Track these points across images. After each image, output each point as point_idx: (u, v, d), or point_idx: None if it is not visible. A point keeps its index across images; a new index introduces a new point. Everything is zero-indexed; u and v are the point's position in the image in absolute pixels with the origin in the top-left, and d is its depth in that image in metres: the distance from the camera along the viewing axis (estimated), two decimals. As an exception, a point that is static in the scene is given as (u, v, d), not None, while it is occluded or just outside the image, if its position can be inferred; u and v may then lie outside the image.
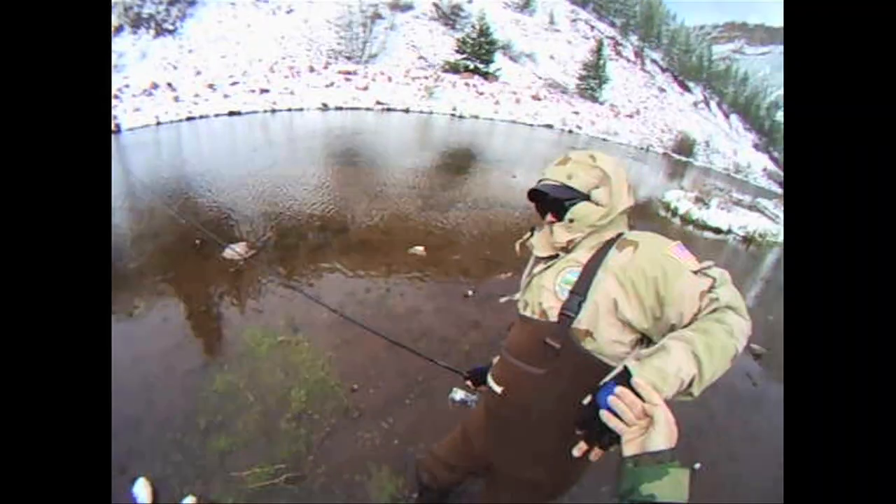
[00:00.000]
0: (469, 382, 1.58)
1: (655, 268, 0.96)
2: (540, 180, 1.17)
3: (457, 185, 7.40)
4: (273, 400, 2.47)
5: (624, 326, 1.00)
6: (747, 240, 8.75)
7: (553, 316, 1.07)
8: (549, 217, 1.17)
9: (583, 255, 1.09)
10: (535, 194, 1.17)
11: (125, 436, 2.05)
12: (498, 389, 1.21)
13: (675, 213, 9.03)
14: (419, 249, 4.62)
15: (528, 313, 1.15)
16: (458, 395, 2.16)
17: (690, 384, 0.82)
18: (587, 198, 1.12)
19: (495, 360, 1.35)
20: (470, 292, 3.86)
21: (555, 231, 1.14)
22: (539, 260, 1.20)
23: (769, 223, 9.74)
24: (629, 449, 0.68)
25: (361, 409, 2.51)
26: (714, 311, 0.89)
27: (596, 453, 0.78)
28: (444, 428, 2.35)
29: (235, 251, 3.89)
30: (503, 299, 1.45)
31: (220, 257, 3.87)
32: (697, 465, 2.74)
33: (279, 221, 4.87)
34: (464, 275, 4.26)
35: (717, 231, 8.67)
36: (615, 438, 0.72)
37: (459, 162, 9.23)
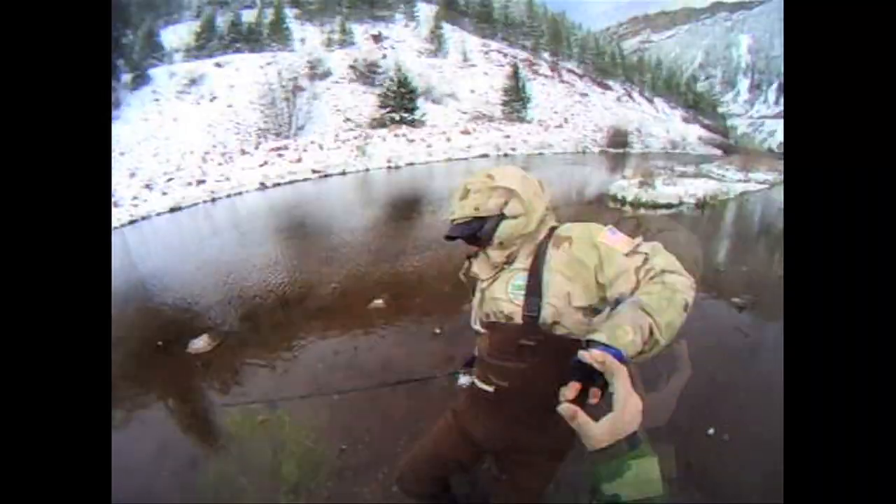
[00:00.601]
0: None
1: (591, 258, 1.08)
2: (451, 220, 1.24)
3: (405, 232, 7.62)
4: (266, 479, 2.50)
5: (583, 310, 1.11)
6: (700, 205, 9.29)
7: (518, 319, 1.16)
8: (477, 246, 1.27)
9: (524, 260, 1.19)
10: (452, 237, 1.23)
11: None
12: (489, 388, 1.30)
13: (623, 202, 9.41)
14: (379, 302, 4.67)
15: (493, 320, 1.24)
16: (464, 379, 2.22)
17: (651, 332, 0.91)
18: (503, 217, 1.18)
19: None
20: (437, 330, 3.96)
21: (490, 254, 1.23)
22: (482, 272, 1.29)
23: (716, 184, 10.47)
24: (586, 444, 0.63)
25: (354, 467, 2.56)
26: (652, 278, 1.01)
27: (594, 393, 0.72)
28: None
29: (198, 344, 3.95)
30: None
31: (186, 353, 3.91)
32: (711, 431, 2.80)
33: (238, 306, 4.92)
34: (427, 315, 4.36)
35: (669, 206, 9.10)
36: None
37: (404, 210, 9.51)
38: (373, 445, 2.72)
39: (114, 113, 23.33)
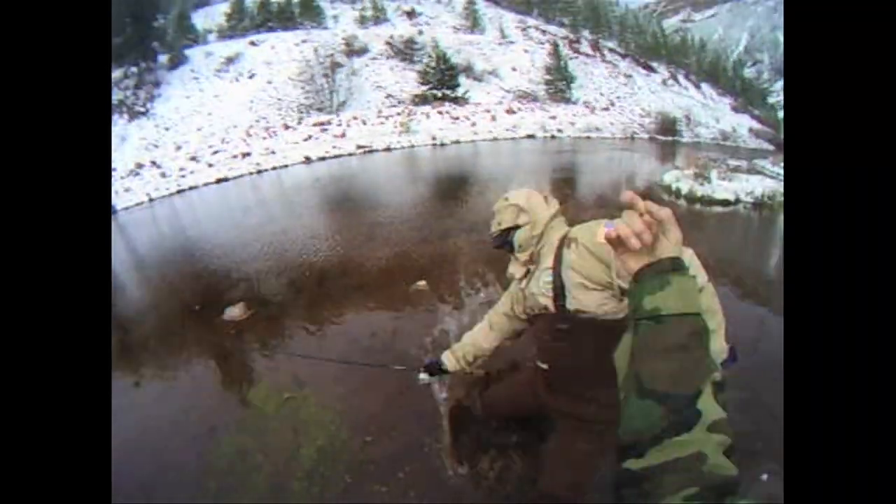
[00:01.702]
0: (425, 376, 2.12)
1: (595, 257, 1.36)
2: (490, 235, 1.70)
3: (451, 212, 7.40)
4: (283, 459, 2.42)
5: (599, 292, 1.39)
6: (758, 205, 8.64)
7: (552, 308, 1.51)
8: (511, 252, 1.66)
9: (548, 260, 1.53)
10: (496, 247, 1.70)
11: (136, 503, 2.07)
12: (545, 366, 1.68)
13: (678, 194, 8.85)
14: (422, 284, 4.49)
15: (536, 313, 1.63)
16: (425, 377, 2.27)
17: None
18: (517, 226, 1.59)
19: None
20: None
21: (518, 257, 1.63)
22: (517, 272, 1.67)
23: (773, 183, 9.67)
24: (632, 265, 0.64)
25: (376, 460, 2.43)
26: None
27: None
28: (462, 489, 2.32)
29: (234, 312, 3.91)
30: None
31: (220, 320, 3.86)
32: (765, 476, 2.51)
33: (277, 276, 4.85)
34: (469, 298, 4.20)
35: (726, 203, 8.50)
36: None
37: (450, 189, 9.29)
38: (398, 440, 2.55)
39: (154, 92, 23.96)
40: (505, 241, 1.65)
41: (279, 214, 7.65)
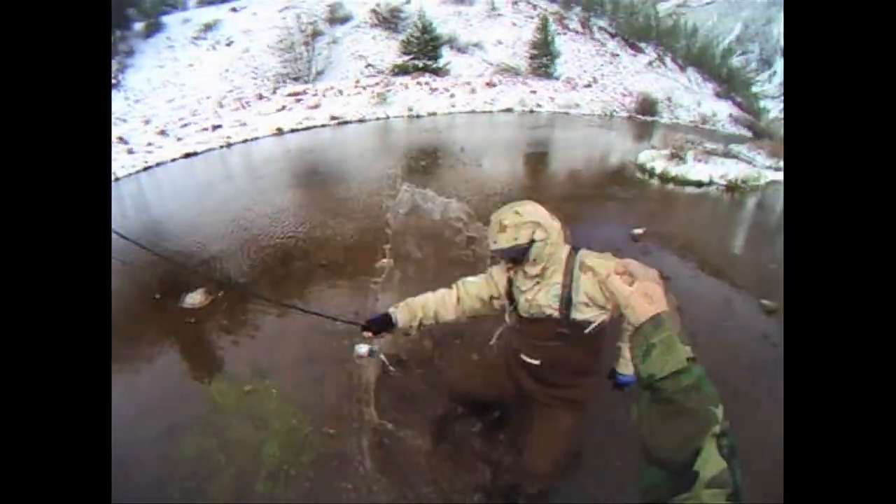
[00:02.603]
0: (368, 333, 1.97)
1: (606, 289, 1.68)
2: (494, 247, 1.83)
3: (423, 185, 7.28)
4: (246, 459, 2.34)
5: (600, 311, 1.76)
6: (730, 188, 8.71)
7: (556, 315, 1.79)
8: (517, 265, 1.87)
9: (557, 276, 1.80)
10: (497, 255, 1.88)
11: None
12: (535, 362, 1.93)
13: (651, 173, 8.94)
14: (387, 261, 4.42)
15: (537, 317, 1.86)
16: (363, 348, 2.00)
17: None
18: (533, 241, 1.76)
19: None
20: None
21: (528, 270, 1.82)
22: (522, 285, 1.88)
23: (747, 168, 9.69)
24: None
25: (339, 455, 2.36)
26: None
27: None
28: (433, 466, 2.31)
29: (195, 299, 3.74)
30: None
31: (180, 308, 3.71)
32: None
33: (241, 256, 4.70)
34: (438, 277, 4.12)
35: (699, 184, 8.63)
36: None
37: (423, 162, 9.12)
38: (361, 433, 2.48)
39: (127, 62, 22.87)
40: (515, 254, 1.79)
41: (246, 190, 7.44)
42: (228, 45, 24.09)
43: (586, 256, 1.79)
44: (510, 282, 1.93)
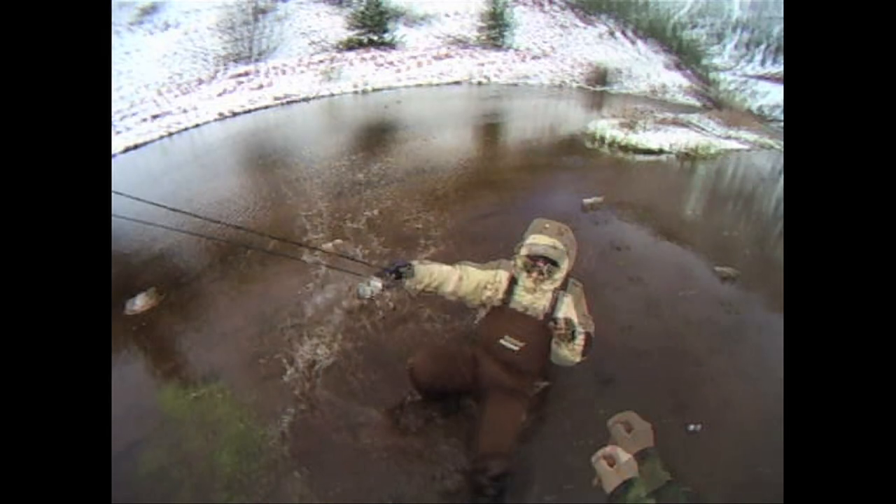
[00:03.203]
0: (392, 276, 2.19)
1: (578, 312, 2.37)
2: (539, 251, 2.34)
3: (369, 163, 7.21)
4: (201, 471, 2.31)
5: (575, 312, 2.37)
6: (682, 156, 8.84)
7: (542, 315, 2.35)
8: (538, 270, 2.37)
9: (549, 289, 2.39)
10: (536, 255, 2.38)
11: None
12: (516, 347, 2.34)
13: (602, 141, 8.96)
14: (338, 242, 4.34)
15: (528, 314, 2.37)
16: (367, 290, 2.26)
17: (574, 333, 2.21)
18: (556, 264, 2.36)
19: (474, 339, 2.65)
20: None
21: (542, 288, 2.39)
22: (524, 289, 2.41)
23: (699, 136, 9.89)
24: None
25: (295, 454, 2.36)
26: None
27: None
28: (396, 466, 2.36)
29: (137, 304, 3.66)
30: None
31: (123, 316, 3.61)
32: (692, 427, 2.66)
33: (184, 253, 4.57)
34: (388, 259, 4.09)
35: (651, 152, 8.69)
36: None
37: (369, 139, 9.03)
38: (313, 432, 2.51)
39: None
40: (547, 268, 2.36)
41: (191, 180, 7.15)
42: (165, 29, 22.86)
43: (574, 282, 2.49)
44: (513, 280, 2.41)
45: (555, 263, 2.33)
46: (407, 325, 3.33)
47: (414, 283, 2.26)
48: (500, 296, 2.39)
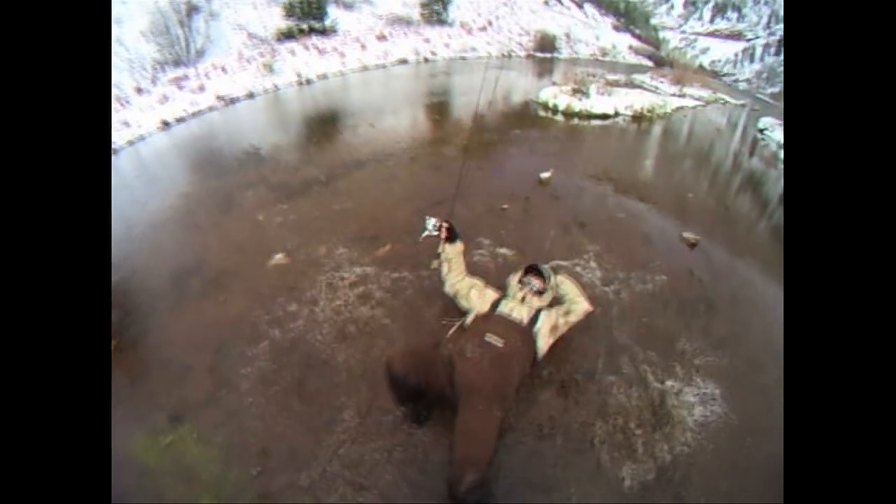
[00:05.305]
0: (447, 229, 3.06)
1: (559, 321, 2.90)
2: (534, 264, 3.25)
3: (312, 158, 7.09)
4: None
5: (554, 323, 2.87)
6: (637, 118, 8.88)
7: (525, 322, 2.77)
8: (536, 286, 3.11)
9: (533, 305, 2.93)
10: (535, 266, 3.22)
11: None
12: (499, 343, 2.55)
13: (555, 110, 8.93)
14: (279, 257, 4.14)
15: (512, 320, 2.78)
16: (430, 224, 3.02)
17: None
18: (544, 292, 3.11)
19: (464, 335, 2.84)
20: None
21: (532, 303, 2.96)
22: (512, 300, 2.97)
23: (651, 96, 9.99)
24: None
25: (273, 493, 2.33)
26: (565, 314, 2.97)
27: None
28: (378, 485, 2.39)
29: None
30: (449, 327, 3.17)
31: None
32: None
33: (135, 280, 4.30)
34: (342, 268, 3.99)
35: (605, 117, 8.70)
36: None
37: (313, 130, 8.90)
38: (291, 464, 2.47)
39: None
40: (538, 283, 3.12)
41: (140, 197, 6.84)
42: (94, 38, 21.74)
43: (553, 308, 2.98)
44: (502, 296, 2.97)
45: (541, 273, 3.12)
46: (365, 338, 3.36)
47: (454, 251, 3.04)
48: (487, 308, 2.87)
